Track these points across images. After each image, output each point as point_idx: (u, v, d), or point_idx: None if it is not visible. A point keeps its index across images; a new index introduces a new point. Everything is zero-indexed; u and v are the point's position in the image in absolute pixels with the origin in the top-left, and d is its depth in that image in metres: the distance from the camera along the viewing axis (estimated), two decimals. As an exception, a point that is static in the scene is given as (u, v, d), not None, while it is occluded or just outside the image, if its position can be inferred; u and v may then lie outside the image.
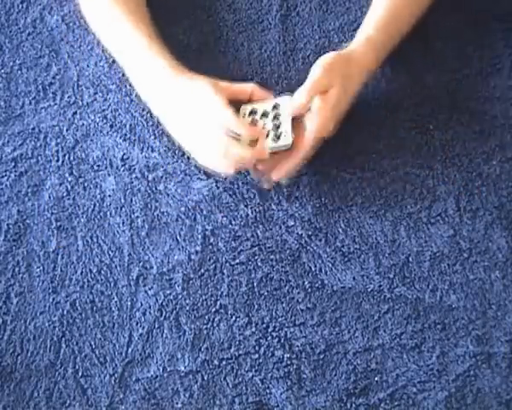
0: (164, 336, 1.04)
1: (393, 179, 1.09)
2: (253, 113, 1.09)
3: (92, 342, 1.04)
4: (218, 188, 1.11)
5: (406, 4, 1.13)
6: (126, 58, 1.12)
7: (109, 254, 1.08)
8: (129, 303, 1.05)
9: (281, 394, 1.00)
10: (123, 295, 1.06)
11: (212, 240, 1.08)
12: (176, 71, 1.08)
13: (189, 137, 1.08)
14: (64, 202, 1.11)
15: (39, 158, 1.14)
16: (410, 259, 1.05)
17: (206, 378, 1.01)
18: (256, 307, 1.05)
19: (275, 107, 1.08)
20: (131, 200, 1.10)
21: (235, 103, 1.06)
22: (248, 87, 1.09)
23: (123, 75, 1.19)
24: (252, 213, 1.09)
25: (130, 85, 1.18)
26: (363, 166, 1.11)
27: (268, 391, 1.00)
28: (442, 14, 1.14)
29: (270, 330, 1.03)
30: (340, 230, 1.07)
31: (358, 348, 1.01)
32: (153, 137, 1.15)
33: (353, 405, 0.98)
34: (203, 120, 1.05)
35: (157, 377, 1.02)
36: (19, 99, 1.18)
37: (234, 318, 1.04)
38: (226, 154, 1.03)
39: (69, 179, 1.13)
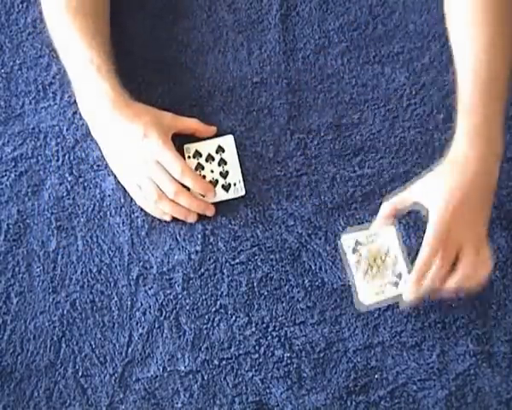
0: (164, 335, 1.04)
1: (393, 178, 1.09)
2: (197, 155, 1.10)
3: (92, 342, 1.04)
4: (218, 188, 1.11)
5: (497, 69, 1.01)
6: (72, 71, 1.10)
7: (109, 254, 1.08)
8: (129, 303, 1.05)
9: (281, 393, 1.00)
10: (123, 295, 1.06)
11: (211, 239, 1.08)
12: (117, 103, 1.06)
13: (124, 177, 1.09)
14: (64, 202, 1.11)
15: (39, 158, 1.14)
16: (410, 258, 1.05)
17: (206, 378, 1.01)
18: (256, 306, 1.05)
19: (218, 150, 1.11)
20: (131, 200, 1.10)
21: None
22: (192, 125, 1.11)
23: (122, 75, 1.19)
24: (251, 212, 1.09)
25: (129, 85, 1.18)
26: (363, 165, 1.11)
27: (268, 391, 1.00)
28: (441, 13, 1.13)
29: (270, 329, 1.03)
30: (340, 228, 1.07)
31: (358, 346, 1.01)
32: (153, 137, 1.15)
33: (353, 402, 0.98)
34: (140, 165, 1.06)
35: (157, 376, 1.02)
36: (19, 99, 1.18)
37: (234, 317, 1.04)
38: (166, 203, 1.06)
39: (69, 179, 1.13)
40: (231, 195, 1.09)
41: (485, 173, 0.99)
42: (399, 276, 1.00)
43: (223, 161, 1.11)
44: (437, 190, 0.98)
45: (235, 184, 1.10)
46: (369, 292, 0.99)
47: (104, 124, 1.07)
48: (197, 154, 1.11)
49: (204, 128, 1.12)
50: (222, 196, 1.09)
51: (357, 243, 1.01)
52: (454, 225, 0.96)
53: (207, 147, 1.11)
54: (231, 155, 1.11)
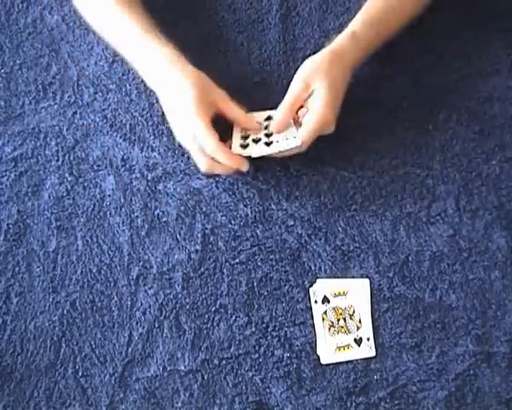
0: (164, 335, 1.04)
1: (393, 179, 1.10)
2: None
3: (92, 342, 1.04)
4: (217, 188, 1.11)
5: (398, 4, 1.12)
6: (126, 50, 1.12)
7: (109, 254, 1.08)
8: (129, 303, 1.06)
9: (281, 393, 1.00)
10: (123, 294, 1.06)
11: (211, 239, 1.08)
12: (172, 65, 1.07)
13: (177, 131, 1.08)
14: (64, 202, 1.12)
15: (39, 158, 1.14)
16: (410, 258, 1.05)
17: (206, 378, 1.02)
18: (256, 306, 1.05)
19: (267, 119, 1.10)
20: (131, 200, 1.10)
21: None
22: (233, 113, 1.08)
23: (123, 75, 1.19)
24: (251, 212, 1.09)
25: (130, 85, 1.18)
26: (363, 166, 1.11)
27: (268, 391, 1.00)
28: (442, 13, 1.13)
29: (269, 329, 1.03)
30: (340, 229, 1.07)
31: (358, 347, 1.02)
32: (153, 137, 1.15)
33: (353, 403, 0.98)
34: (185, 129, 1.06)
35: (157, 376, 1.02)
36: (19, 99, 1.18)
37: (234, 317, 1.04)
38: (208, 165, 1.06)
39: (69, 179, 1.13)
40: (269, 150, 1.08)
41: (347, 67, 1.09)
42: (360, 341, 1.02)
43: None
44: (321, 78, 1.06)
45: (277, 141, 1.07)
46: (329, 348, 1.02)
47: (168, 84, 1.07)
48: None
49: (244, 121, 1.09)
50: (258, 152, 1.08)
51: (325, 297, 1.04)
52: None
53: (257, 117, 1.11)
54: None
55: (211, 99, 1.06)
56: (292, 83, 1.07)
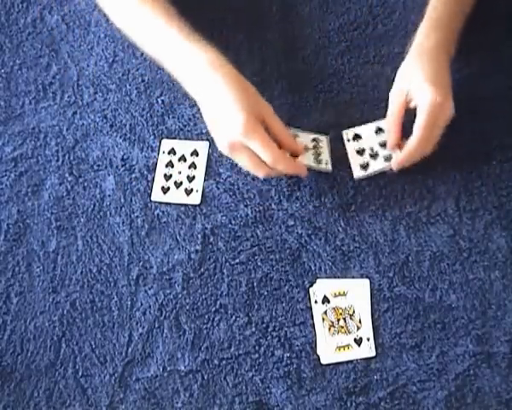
0: (164, 335, 1.04)
1: (393, 179, 1.09)
2: (172, 152, 1.14)
3: (92, 342, 1.04)
4: (218, 188, 1.11)
5: None
6: (164, 55, 1.08)
7: (109, 254, 1.08)
8: (129, 303, 1.05)
9: (281, 393, 1.00)
10: (123, 295, 1.06)
11: (211, 239, 1.08)
12: (217, 69, 1.04)
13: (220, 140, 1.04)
14: (64, 202, 1.12)
15: (39, 158, 1.15)
16: (410, 258, 1.05)
17: (206, 378, 1.01)
18: (256, 306, 1.05)
19: (193, 153, 1.13)
20: (131, 200, 1.10)
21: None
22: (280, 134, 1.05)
23: (123, 75, 1.19)
24: (252, 212, 1.09)
25: (130, 85, 1.18)
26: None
27: (268, 391, 1.00)
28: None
29: (269, 329, 1.03)
30: (340, 229, 1.07)
31: (358, 347, 1.02)
32: (153, 137, 1.15)
33: (353, 403, 0.98)
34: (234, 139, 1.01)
35: (157, 376, 1.02)
36: (19, 99, 1.18)
37: (234, 317, 1.04)
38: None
39: (69, 179, 1.13)
40: (189, 200, 1.10)
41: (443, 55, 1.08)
42: (360, 341, 1.01)
43: (193, 165, 1.11)
44: (422, 87, 1.05)
45: (197, 191, 1.10)
46: (329, 348, 1.01)
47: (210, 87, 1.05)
48: (172, 151, 1.13)
49: (287, 141, 1.06)
50: (180, 198, 1.10)
51: (325, 297, 1.04)
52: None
53: (184, 147, 1.13)
54: (202, 161, 1.12)
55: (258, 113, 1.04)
56: (390, 98, 1.08)
